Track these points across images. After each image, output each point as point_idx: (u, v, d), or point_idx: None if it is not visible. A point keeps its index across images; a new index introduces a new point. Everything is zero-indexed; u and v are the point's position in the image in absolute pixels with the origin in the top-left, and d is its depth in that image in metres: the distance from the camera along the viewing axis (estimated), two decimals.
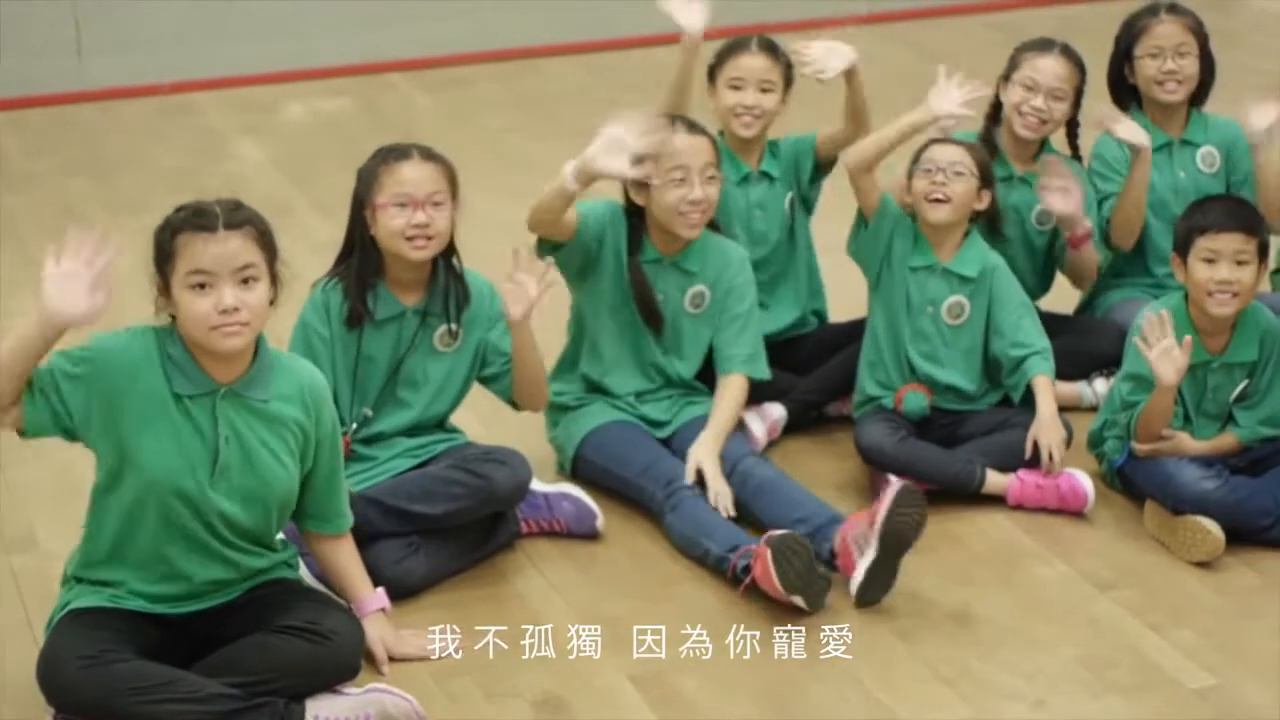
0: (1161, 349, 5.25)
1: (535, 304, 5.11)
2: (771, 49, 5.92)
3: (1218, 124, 6.29)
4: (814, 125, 6.02)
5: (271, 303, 4.45)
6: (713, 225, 5.62)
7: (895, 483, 4.97)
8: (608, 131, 5.25)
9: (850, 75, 5.78)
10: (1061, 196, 5.93)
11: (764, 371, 5.63)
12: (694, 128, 5.48)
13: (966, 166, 5.58)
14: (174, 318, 4.44)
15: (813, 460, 5.80)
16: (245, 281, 4.37)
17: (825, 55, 5.75)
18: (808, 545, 4.92)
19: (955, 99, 5.50)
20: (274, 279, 4.45)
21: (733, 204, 5.90)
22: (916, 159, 5.63)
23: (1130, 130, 6.00)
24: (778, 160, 5.99)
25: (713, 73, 5.93)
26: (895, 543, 4.92)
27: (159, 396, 4.41)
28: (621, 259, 5.52)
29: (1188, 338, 5.26)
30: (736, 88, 5.87)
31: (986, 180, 5.62)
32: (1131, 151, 6.02)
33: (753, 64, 5.86)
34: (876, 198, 5.60)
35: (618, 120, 5.25)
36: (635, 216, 5.53)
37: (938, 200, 5.57)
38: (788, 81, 5.92)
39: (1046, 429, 5.48)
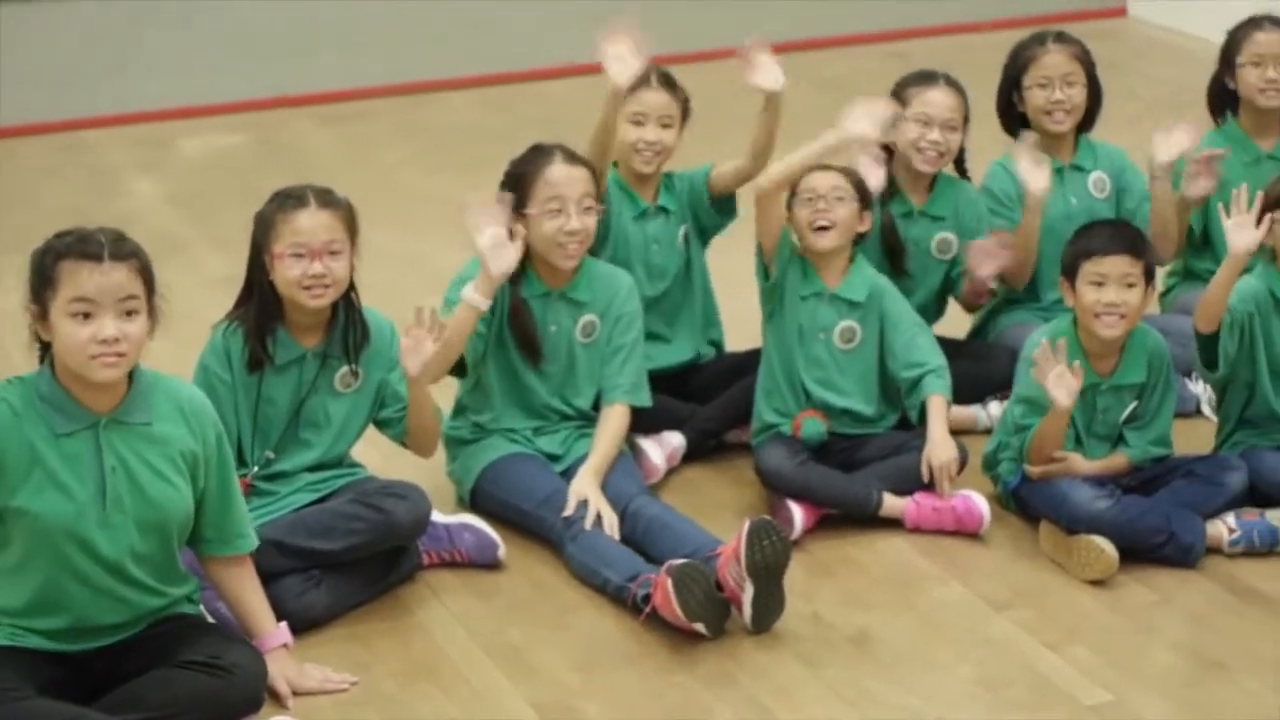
0: (1056, 374, 5.32)
1: (430, 360, 5.14)
2: (671, 83, 5.95)
3: (1106, 150, 6.37)
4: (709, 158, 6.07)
5: (149, 335, 4.44)
6: (592, 254, 5.65)
7: (746, 522, 5.00)
8: (483, 239, 5.31)
9: (771, 100, 5.79)
10: (989, 261, 5.99)
11: (646, 399, 5.66)
12: (573, 158, 5.51)
13: (846, 191, 5.63)
14: (43, 350, 4.42)
15: (712, 487, 5.84)
16: (128, 313, 4.36)
17: (761, 67, 5.74)
18: (707, 573, 4.96)
19: (868, 119, 5.52)
20: (151, 312, 4.44)
21: (630, 239, 5.94)
22: (795, 189, 5.67)
23: (1038, 172, 6.06)
24: (673, 194, 6.02)
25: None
26: (766, 574, 4.96)
27: (37, 446, 4.38)
28: (507, 294, 5.54)
29: (1076, 363, 5.34)
30: (638, 123, 5.89)
31: (866, 202, 5.68)
32: (1026, 193, 6.09)
33: (655, 99, 5.89)
34: (780, 226, 5.65)
35: (478, 219, 5.32)
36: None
37: (823, 227, 5.62)
38: (685, 115, 5.96)
39: (937, 450, 5.54)
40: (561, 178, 5.45)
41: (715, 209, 6.05)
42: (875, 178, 5.78)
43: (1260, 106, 6.44)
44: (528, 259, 5.52)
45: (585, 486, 5.39)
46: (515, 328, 5.53)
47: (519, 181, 5.49)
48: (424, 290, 6.99)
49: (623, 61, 5.73)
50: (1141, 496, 5.47)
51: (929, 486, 5.56)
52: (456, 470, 5.67)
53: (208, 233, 7.96)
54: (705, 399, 6.01)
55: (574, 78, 9.81)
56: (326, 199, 5.14)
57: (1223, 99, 6.53)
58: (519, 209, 5.45)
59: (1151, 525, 5.34)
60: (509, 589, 5.32)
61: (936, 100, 6.03)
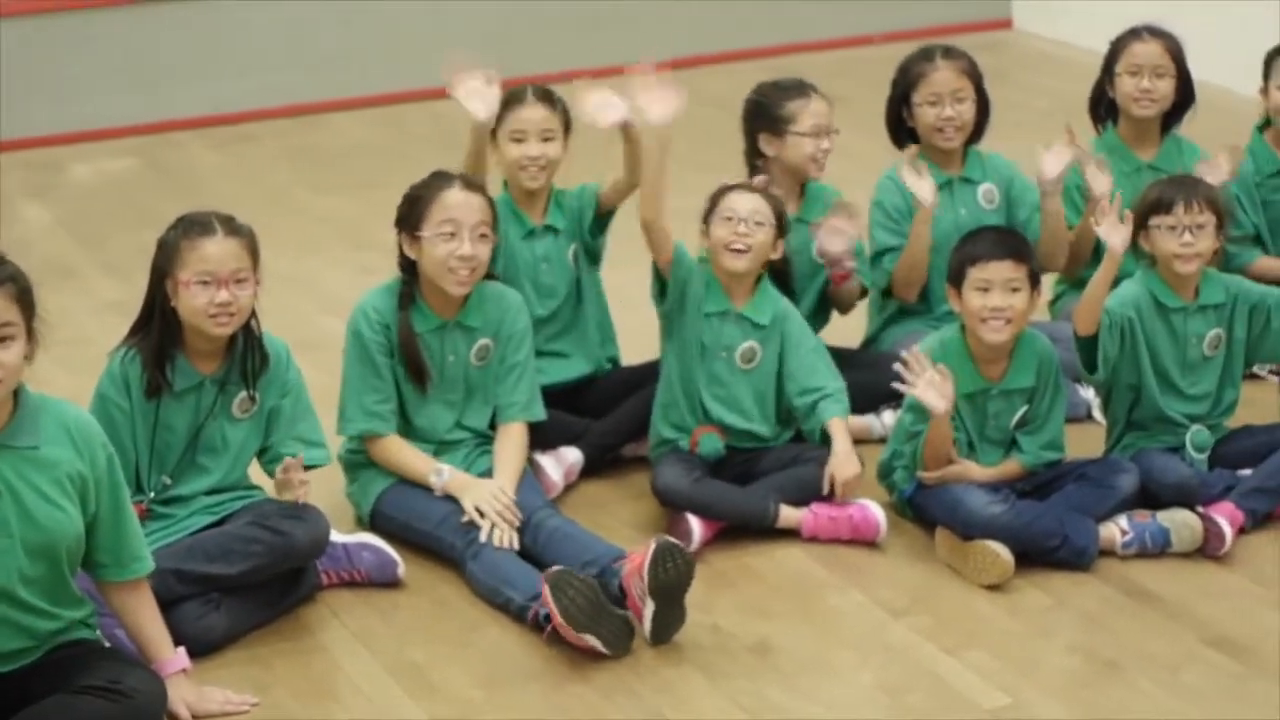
0: (925, 381, 5.37)
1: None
2: (548, 98, 5.97)
3: (995, 161, 6.43)
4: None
5: (27, 359, 4.40)
6: (492, 275, 5.66)
7: (652, 542, 5.01)
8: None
9: (625, 129, 5.78)
10: (835, 236, 6.03)
11: (541, 413, 5.68)
12: (471, 185, 5.51)
13: (766, 216, 5.66)
14: None
15: (611, 501, 5.86)
16: (2, 339, 4.34)
17: (599, 106, 5.74)
18: (590, 583, 4.97)
19: (664, 105, 5.52)
20: (31, 336, 4.41)
21: (519, 259, 5.95)
22: (714, 205, 5.70)
23: (924, 186, 6.14)
24: (562, 212, 6.04)
25: (494, 133, 5.94)
26: (668, 593, 5.00)
27: None
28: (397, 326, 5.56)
29: (942, 366, 5.39)
30: (519, 140, 5.91)
31: (782, 230, 5.72)
32: (916, 207, 6.15)
33: (532, 115, 5.91)
34: (671, 246, 5.67)
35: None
36: (409, 272, 5.55)
37: (739, 250, 5.66)
38: (567, 128, 5.98)
39: (842, 465, 5.58)
40: (458, 203, 5.46)
41: (595, 228, 6.06)
42: (839, 245, 5.97)
43: (1135, 116, 6.53)
44: (418, 289, 5.53)
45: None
46: (405, 357, 5.53)
47: (416, 203, 5.50)
48: (317, 311, 7.03)
49: (480, 95, 5.76)
50: (1035, 501, 5.53)
51: (826, 497, 5.60)
52: (355, 492, 5.66)
53: (99, 257, 7.91)
54: (601, 413, 6.02)
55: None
56: (232, 226, 5.13)
57: (1104, 108, 6.61)
58: (413, 232, 5.46)
59: (1045, 529, 5.40)
60: (409, 607, 5.32)
61: (821, 110, 6.11)
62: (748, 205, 5.65)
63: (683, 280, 5.69)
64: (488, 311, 5.60)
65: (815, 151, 6.09)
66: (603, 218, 6.06)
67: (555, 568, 5.01)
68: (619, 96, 5.67)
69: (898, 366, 5.42)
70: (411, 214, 5.49)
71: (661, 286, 5.73)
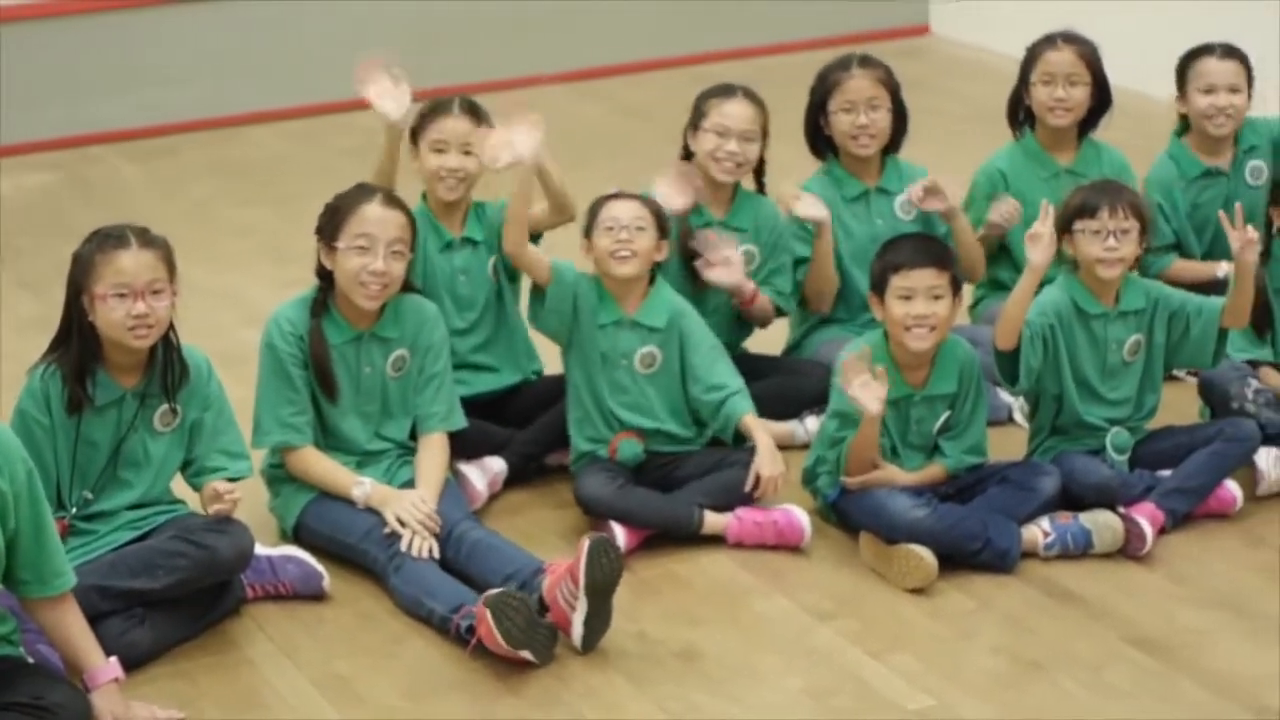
0: (860, 383, 5.40)
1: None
2: (474, 111, 5.96)
3: (912, 171, 6.45)
4: None
5: None
6: (410, 287, 5.65)
7: (585, 540, 5.02)
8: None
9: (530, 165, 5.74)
10: (724, 270, 6.05)
11: (462, 421, 5.68)
12: (391, 201, 5.50)
13: (647, 220, 5.68)
14: None
15: (536, 510, 5.86)
16: None
17: (497, 148, 5.69)
18: (525, 599, 4.98)
19: (527, 138, 5.54)
20: None
21: (437, 271, 5.94)
22: (594, 217, 5.72)
23: (809, 207, 6.17)
24: (482, 225, 6.03)
25: (415, 135, 5.95)
26: (601, 592, 5.01)
27: None
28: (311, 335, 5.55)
29: (880, 368, 5.42)
30: (440, 151, 5.90)
31: (664, 231, 5.74)
32: (814, 226, 6.18)
33: (456, 127, 5.90)
34: (546, 269, 5.68)
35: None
36: (325, 281, 5.54)
37: (624, 257, 5.67)
38: None
39: (766, 462, 5.60)
40: (375, 217, 5.45)
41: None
42: (679, 202, 5.85)
43: (1050, 125, 6.57)
44: (333, 299, 5.52)
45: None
46: (315, 368, 5.52)
47: (335, 214, 5.49)
48: (239, 324, 7.01)
49: (390, 95, 5.79)
50: (958, 504, 5.56)
51: (750, 501, 5.62)
52: (279, 506, 5.65)
53: (17, 274, 7.86)
54: (524, 423, 6.02)
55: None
56: (147, 238, 5.11)
57: (1021, 114, 6.66)
58: (330, 242, 5.45)
59: (968, 532, 5.43)
60: (334, 619, 5.31)
61: (733, 111, 6.11)
62: (629, 212, 5.67)
63: (570, 296, 5.70)
64: (404, 323, 5.60)
65: (715, 149, 6.10)
66: (532, 237, 6.05)
67: (493, 591, 5.01)
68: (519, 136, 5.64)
69: (840, 362, 5.43)
70: (329, 224, 5.49)
71: (538, 308, 5.73)
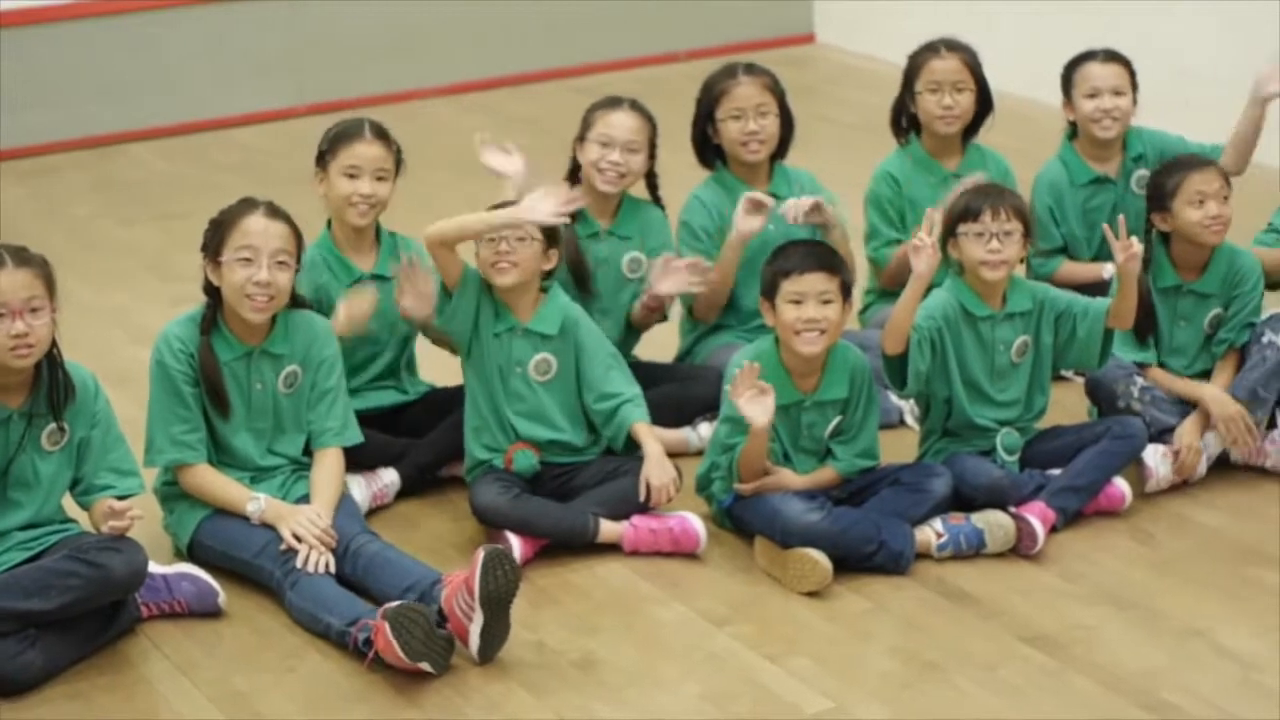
0: (748, 396, 5.43)
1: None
2: (384, 135, 5.93)
3: (800, 176, 6.50)
4: None
5: None
6: (301, 303, 5.63)
7: (480, 552, 5.03)
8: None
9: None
10: (673, 277, 6.13)
11: (358, 435, 5.67)
12: (275, 213, 5.47)
13: (531, 230, 5.67)
14: None
15: (433, 522, 5.85)
16: None
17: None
18: (424, 611, 4.97)
19: (548, 209, 5.52)
20: None
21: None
22: None
23: (746, 217, 6.18)
24: (395, 259, 5.98)
25: (323, 159, 5.93)
26: (497, 603, 5.01)
27: None
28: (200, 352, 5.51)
29: (768, 385, 5.45)
30: (353, 176, 5.87)
31: (553, 240, 5.74)
32: (734, 230, 6.21)
33: (368, 152, 5.87)
34: (458, 271, 5.68)
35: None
36: (214, 298, 5.51)
37: (503, 268, 5.66)
38: (398, 168, 5.94)
39: (656, 468, 5.62)
40: (258, 228, 5.42)
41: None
42: (510, 166, 6.08)
43: (938, 133, 6.63)
44: (222, 315, 5.50)
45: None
46: (206, 384, 5.48)
47: (218, 228, 5.46)
48: (127, 342, 6.96)
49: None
50: (851, 507, 5.60)
51: (646, 509, 5.64)
52: (173, 524, 5.61)
53: None
54: (418, 434, 6.01)
55: (264, 124, 9.78)
56: (22, 257, 5.07)
57: (905, 121, 6.71)
58: (215, 256, 5.43)
59: (862, 534, 5.47)
60: (232, 636, 5.28)
61: (618, 122, 6.13)
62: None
63: (474, 300, 5.69)
64: (294, 339, 5.58)
65: (599, 160, 6.13)
66: None
67: (393, 604, 5.00)
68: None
69: (732, 374, 5.46)
70: (213, 238, 5.46)
71: (445, 306, 5.72)
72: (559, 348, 5.75)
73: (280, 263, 5.42)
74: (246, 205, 5.49)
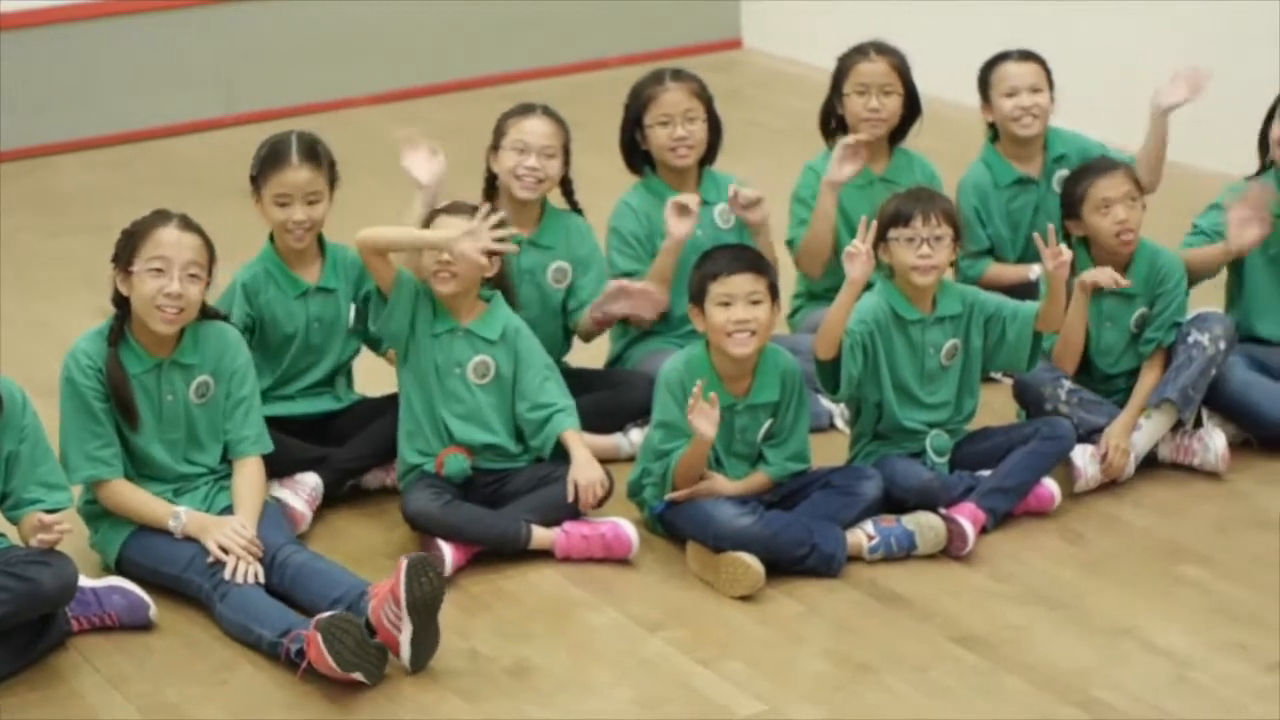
0: (700, 408, 5.43)
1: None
2: (313, 156, 5.87)
3: (729, 181, 6.47)
4: None
5: None
6: (212, 314, 5.60)
7: (403, 561, 5.02)
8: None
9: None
10: (641, 301, 6.18)
11: (270, 444, 5.65)
12: (188, 225, 5.43)
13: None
14: None
15: (363, 532, 5.84)
16: None
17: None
18: (356, 621, 4.97)
19: (477, 247, 5.58)
20: None
21: (291, 319, 5.90)
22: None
23: (676, 220, 6.19)
24: (338, 272, 5.98)
25: (255, 182, 5.88)
26: (424, 610, 5.00)
27: None
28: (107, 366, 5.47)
29: (713, 394, 5.46)
30: (284, 204, 5.84)
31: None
32: (667, 235, 6.22)
33: (297, 179, 5.82)
34: (391, 275, 5.67)
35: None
36: (123, 309, 5.47)
37: (445, 278, 5.67)
38: (332, 184, 5.91)
39: (583, 470, 5.63)
40: (170, 240, 5.39)
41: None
42: (428, 173, 6.05)
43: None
44: (130, 328, 5.47)
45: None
46: (115, 397, 5.45)
47: (130, 239, 5.42)
48: (52, 355, 6.88)
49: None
50: (783, 511, 5.61)
51: (577, 514, 5.64)
52: (99, 542, 5.58)
53: None
54: (343, 441, 6.00)
55: (193, 134, 9.75)
56: None
57: (833, 124, 6.73)
58: (126, 267, 5.40)
59: (794, 538, 5.48)
60: (163, 649, 5.26)
61: (532, 128, 6.14)
62: (450, 231, 5.67)
63: (409, 302, 5.69)
64: (204, 349, 5.55)
65: (515, 166, 6.13)
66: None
67: (324, 615, 4.99)
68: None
69: (670, 377, 5.49)
70: (125, 249, 5.42)
71: (380, 309, 5.72)
72: (499, 352, 5.75)
73: (192, 275, 5.39)
74: (160, 217, 5.46)
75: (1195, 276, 6.30)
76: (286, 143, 5.88)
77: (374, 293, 5.72)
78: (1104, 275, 5.96)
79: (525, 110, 6.22)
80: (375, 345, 6.08)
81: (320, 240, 5.97)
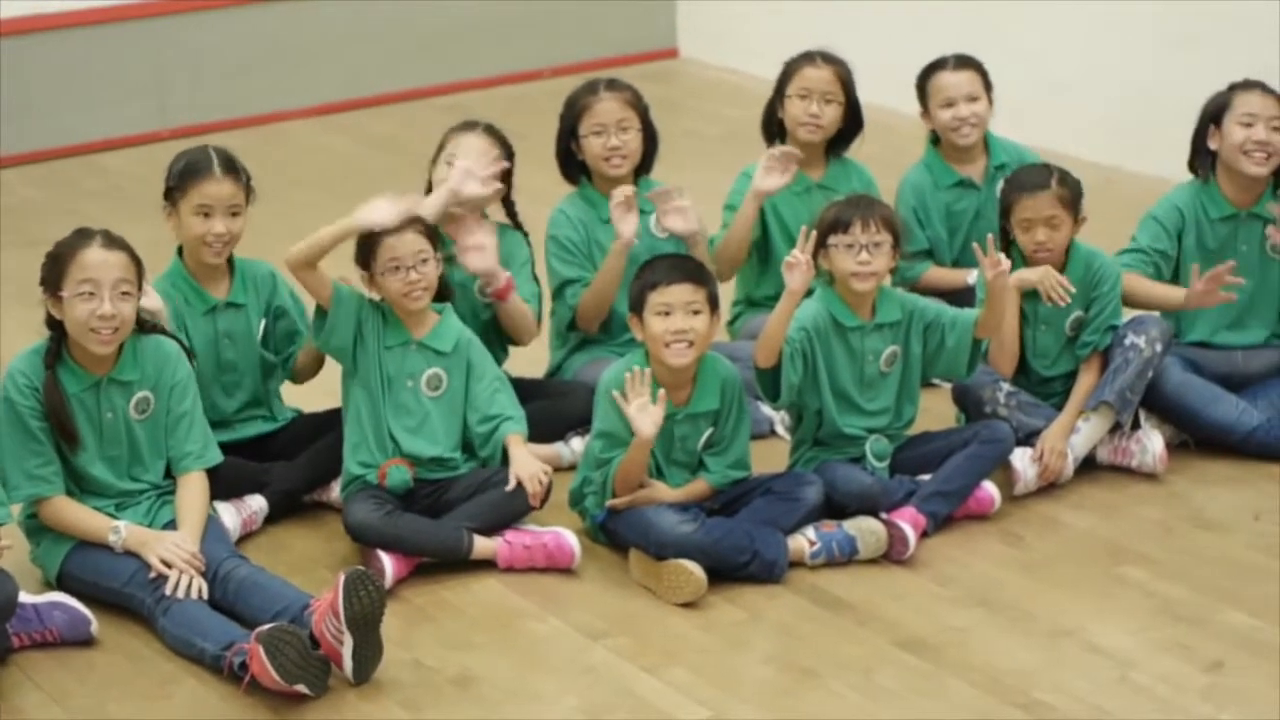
0: (639, 405, 5.45)
1: None
2: (233, 169, 5.86)
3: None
4: None
5: None
6: (149, 328, 5.58)
7: (341, 574, 5.01)
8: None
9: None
10: (477, 255, 6.10)
11: (218, 456, 5.64)
12: (112, 243, 5.40)
13: (428, 251, 5.69)
14: None
15: (304, 544, 5.83)
16: None
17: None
18: (298, 633, 4.96)
19: (387, 212, 5.58)
20: None
21: (199, 335, 5.87)
22: (372, 252, 5.69)
23: (622, 221, 6.20)
24: (248, 286, 5.97)
25: (171, 195, 5.86)
26: (364, 624, 4.99)
27: None
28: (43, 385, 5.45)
29: (662, 392, 5.47)
30: (205, 215, 5.81)
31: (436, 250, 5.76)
32: (614, 243, 6.23)
33: (219, 190, 5.80)
34: (328, 291, 5.67)
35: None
36: (58, 330, 5.44)
37: (416, 296, 5.67)
38: (249, 195, 5.89)
39: (523, 466, 5.63)
40: (95, 261, 5.36)
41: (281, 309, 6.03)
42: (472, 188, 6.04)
43: (800, 140, 6.68)
44: (67, 348, 5.44)
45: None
46: (53, 418, 5.42)
47: (56, 262, 5.38)
48: None
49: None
50: (725, 518, 5.62)
51: (521, 516, 5.65)
52: (40, 557, 5.55)
53: None
54: (288, 460, 5.98)
55: (128, 149, 9.71)
56: None
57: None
58: (55, 291, 5.37)
59: (736, 544, 5.50)
60: (105, 665, 5.24)
61: (468, 145, 6.15)
62: (409, 247, 5.67)
63: (352, 317, 5.69)
64: (144, 364, 5.53)
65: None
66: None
67: (266, 627, 4.98)
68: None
69: (624, 379, 5.47)
70: (52, 273, 5.38)
71: (320, 327, 5.72)
72: (451, 364, 5.76)
73: (123, 293, 5.37)
74: (82, 237, 5.42)
75: (1148, 309, 6.31)
76: (206, 155, 5.86)
77: (316, 310, 5.71)
78: (1033, 275, 5.98)
79: (467, 126, 6.24)
80: (285, 363, 6.07)
81: (230, 256, 5.95)
